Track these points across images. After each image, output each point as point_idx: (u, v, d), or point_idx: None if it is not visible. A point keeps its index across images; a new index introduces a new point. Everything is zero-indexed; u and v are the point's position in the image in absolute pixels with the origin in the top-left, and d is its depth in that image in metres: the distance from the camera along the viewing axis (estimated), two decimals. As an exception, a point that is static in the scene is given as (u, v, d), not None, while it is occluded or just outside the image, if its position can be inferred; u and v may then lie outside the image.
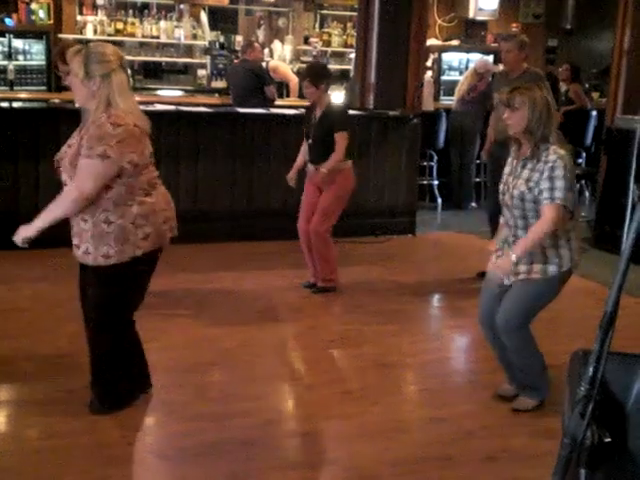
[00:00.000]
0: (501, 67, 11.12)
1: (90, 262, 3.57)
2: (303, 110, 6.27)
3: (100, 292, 3.65)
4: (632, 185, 2.13)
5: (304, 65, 9.84)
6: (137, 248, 3.56)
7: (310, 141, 5.76)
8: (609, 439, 1.64)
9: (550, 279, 3.79)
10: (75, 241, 3.62)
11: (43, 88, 9.72)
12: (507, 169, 3.95)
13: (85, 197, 3.46)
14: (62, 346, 4.56)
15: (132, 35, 10.52)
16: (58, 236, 3.80)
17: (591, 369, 1.68)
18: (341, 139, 5.63)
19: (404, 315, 5.57)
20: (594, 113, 9.64)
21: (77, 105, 3.76)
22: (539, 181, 3.69)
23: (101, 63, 3.48)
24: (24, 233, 3.55)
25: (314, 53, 11.19)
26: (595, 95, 11.09)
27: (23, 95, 9.01)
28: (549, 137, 3.73)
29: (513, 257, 3.70)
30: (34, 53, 9.93)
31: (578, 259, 3.87)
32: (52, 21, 10.06)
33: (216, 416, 3.84)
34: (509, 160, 3.97)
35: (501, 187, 3.93)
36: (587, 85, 11.10)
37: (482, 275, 5.68)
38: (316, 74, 5.71)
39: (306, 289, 5.89)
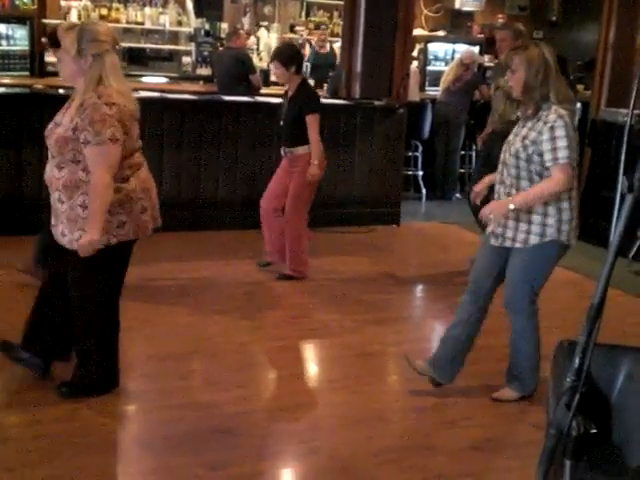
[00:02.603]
0: (486, 58, 11.17)
1: (66, 244, 3.54)
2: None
3: (77, 275, 3.62)
4: (621, 176, 2.13)
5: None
6: (111, 236, 3.51)
7: (281, 123, 5.74)
8: (594, 430, 1.64)
9: (537, 247, 3.73)
10: (53, 221, 3.61)
11: (26, 73, 9.62)
12: (515, 129, 3.90)
13: (109, 183, 3.41)
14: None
15: (117, 21, 10.43)
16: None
17: (577, 360, 1.68)
18: (313, 122, 5.57)
19: (387, 305, 5.58)
20: (579, 105, 9.65)
21: (62, 79, 3.70)
22: (536, 141, 3.63)
23: (95, 42, 3.43)
24: (91, 246, 3.42)
25: (300, 41, 11.14)
26: (580, 87, 11.10)
27: (6, 80, 8.90)
28: (549, 95, 3.66)
29: (511, 205, 3.65)
30: (17, 38, 9.81)
31: (571, 232, 3.77)
32: (36, 6, 9.95)
33: (198, 405, 3.83)
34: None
35: (504, 146, 3.88)
36: (572, 77, 11.11)
37: None
38: (285, 55, 5.65)
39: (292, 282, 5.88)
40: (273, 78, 10.37)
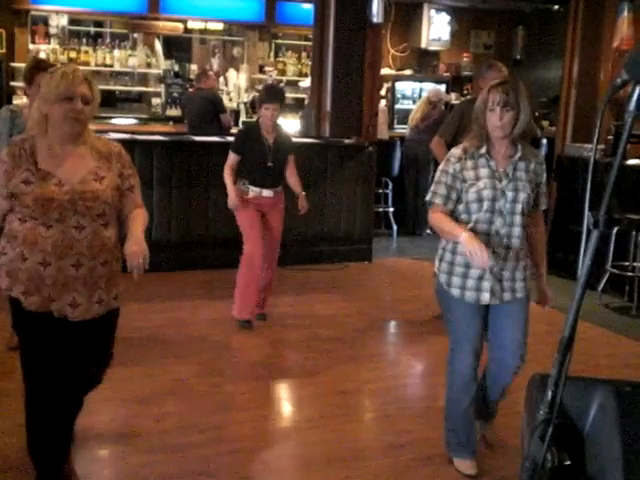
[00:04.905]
0: (453, 96, 11.32)
1: (102, 311, 3.20)
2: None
3: (110, 338, 3.42)
4: (586, 212, 2.14)
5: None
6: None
7: (270, 164, 5.64)
8: (569, 462, 1.66)
9: (529, 291, 3.68)
10: (80, 297, 3.10)
11: (-5, 116, 9.59)
12: (486, 172, 3.45)
13: None
14: None
15: (86, 64, 10.44)
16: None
17: (550, 393, 1.71)
18: (294, 161, 5.77)
19: (362, 342, 5.58)
20: (544, 141, 9.82)
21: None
22: (538, 182, 3.51)
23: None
24: (142, 257, 3.06)
25: (269, 82, 11.25)
26: (545, 123, 11.30)
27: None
28: (526, 132, 3.49)
29: (548, 289, 3.71)
30: (-14, 82, 9.83)
31: None
32: (4, 49, 9.99)
33: (173, 447, 3.79)
34: (468, 163, 3.48)
35: (489, 193, 3.41)
36: (537, 114, 11.32)
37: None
38: (283, 97, 5.83)
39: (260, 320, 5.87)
40: (243, 118, 10.48)
